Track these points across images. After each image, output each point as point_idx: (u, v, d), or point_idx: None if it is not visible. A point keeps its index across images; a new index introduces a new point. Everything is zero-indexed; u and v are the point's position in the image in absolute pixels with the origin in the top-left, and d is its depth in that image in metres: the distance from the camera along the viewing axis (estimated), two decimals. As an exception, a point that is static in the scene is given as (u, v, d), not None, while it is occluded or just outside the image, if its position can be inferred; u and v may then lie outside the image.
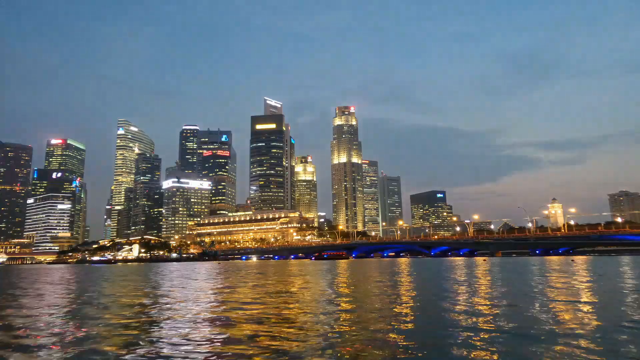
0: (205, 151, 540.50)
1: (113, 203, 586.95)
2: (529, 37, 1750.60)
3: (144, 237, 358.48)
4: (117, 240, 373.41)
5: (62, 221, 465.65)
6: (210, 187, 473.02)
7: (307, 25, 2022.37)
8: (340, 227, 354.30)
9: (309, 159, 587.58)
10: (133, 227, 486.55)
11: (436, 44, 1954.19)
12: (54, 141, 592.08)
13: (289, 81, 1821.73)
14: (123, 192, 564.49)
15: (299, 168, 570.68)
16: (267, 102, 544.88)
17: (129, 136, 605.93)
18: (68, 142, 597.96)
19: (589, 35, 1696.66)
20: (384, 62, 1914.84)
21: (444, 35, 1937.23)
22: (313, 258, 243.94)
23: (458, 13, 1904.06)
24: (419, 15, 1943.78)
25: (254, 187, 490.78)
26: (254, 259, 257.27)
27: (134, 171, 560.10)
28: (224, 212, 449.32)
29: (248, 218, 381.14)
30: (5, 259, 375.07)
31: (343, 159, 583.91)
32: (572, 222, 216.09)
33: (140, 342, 12.83)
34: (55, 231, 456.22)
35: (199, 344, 12.37)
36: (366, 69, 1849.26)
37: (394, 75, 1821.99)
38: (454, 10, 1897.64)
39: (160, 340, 13.13)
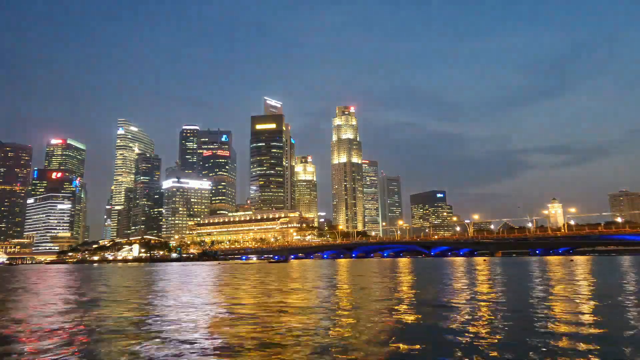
0: (205, 151, 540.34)
1: (113, 203, 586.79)
2: (549, 49, 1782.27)
3: (144, 237, 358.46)
4: (117, 240, 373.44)
5: (62, 221, 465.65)
6: (210, 187, 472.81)
7: (308, 26, 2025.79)
8: (340, 227, 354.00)
9: (309, 159, 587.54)
10: (133, 227, 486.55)
11: (455, 53, 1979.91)
12: (54, 141, 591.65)
13: (289, 81, 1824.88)
14: (123, 192, 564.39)
15: (299, 168, 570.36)
16: (267, 102, 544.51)
17: (129, 136, 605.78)
18: (68, 142, 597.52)
19: (606, 49, 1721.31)
20: (397, 66, 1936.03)
21: (463, 45, 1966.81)
22: (313, 257, 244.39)
23: (477, 24, 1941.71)
24: (435, 25, 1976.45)
25: (254, 187, 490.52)
26: (254, 259, 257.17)
27: (134, 171, 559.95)
28: (224, 212, 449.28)
29: (248, 218, 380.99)
30: (5, 259, 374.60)
31: (343, 158, 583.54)
32: (572, 222, 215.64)
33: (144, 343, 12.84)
34: (55, 231, 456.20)
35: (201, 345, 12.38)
36: (377, 72, 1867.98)
37: (406, 79, 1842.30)
38: (472, 20, 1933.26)
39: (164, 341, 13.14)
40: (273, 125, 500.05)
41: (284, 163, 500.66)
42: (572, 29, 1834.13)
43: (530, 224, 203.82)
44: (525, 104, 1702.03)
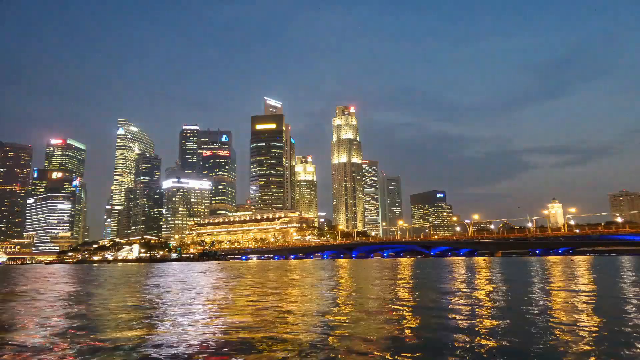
0: (205, 151, 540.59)
1: (113, 203, 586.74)
2: (549, 51, 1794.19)
3: (144, 237, 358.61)
4: (117, 240, 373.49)
5: (62, 221, 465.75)
6: (210, 187, 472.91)
7: (309, 27, 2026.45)
8: (340, 227, 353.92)
9: (309, 159, 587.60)
10: (133, 227, 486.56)
11: (456, 55, 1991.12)
12: (54, 141, 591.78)
13: (289, 81, 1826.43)
14: (123, 192, 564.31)
15: (299, 168, 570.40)
16: (267, 102, 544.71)
17: (129, 136, 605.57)
18: (68, 142, 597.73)
19: (606, 51, 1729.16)
20: (397, 66, 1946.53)
21: (464, 46, 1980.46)
22: (312, 257, 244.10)
23: (478, 25, 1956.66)
24: (437, 26, 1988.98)
25: (254, 187, 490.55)
26: (254, 259, 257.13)
27: (134, 171, 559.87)
28: (224, 212, 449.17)
29: (248, 218, 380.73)
30: (5, 259, 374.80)
31: (343, 158, 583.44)
32: (572, 222, 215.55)
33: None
34: (55, 231, 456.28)
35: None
36: (378, 73, 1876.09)
37: (407, 80, 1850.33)
38: (473, 22, 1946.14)
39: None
40: (273, 125, 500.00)
41: (284, 163, 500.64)
42: (572, 30, 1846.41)
43: (530, 224, 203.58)
44: (526, 105, 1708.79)
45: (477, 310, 18.54)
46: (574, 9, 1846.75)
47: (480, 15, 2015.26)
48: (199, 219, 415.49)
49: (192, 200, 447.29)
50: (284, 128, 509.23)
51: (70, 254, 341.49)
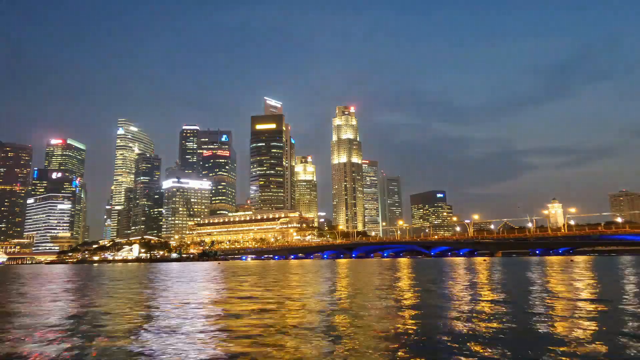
0: (205, 151, 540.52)
1: (113, 203, 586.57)
2: (552, 54, 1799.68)
3: (144, 237, 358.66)
4: (117, 240, 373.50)
5: (62, 221, 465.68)
6: (210, 187, 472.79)
7: (311, 28, 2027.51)
8: (340, 227, 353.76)
9: (309, 159, 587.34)
10: (133, 227, 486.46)
11: (458, 57, 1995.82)
12: (54, 141, 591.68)
13: (290, 82, 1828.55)
14: (123, 192, 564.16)
15: (299, 168, 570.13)
16: (267, 102, 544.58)
17: (129, 136, 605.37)
18: (68, 142, 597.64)
19: (608, 54, 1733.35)
20: (399, 68, 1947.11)
21: (466, 48, 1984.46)
22: (312, 257, 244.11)
23: (480, 28, 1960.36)
24: (439, 29, 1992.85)
25: (254, 187, 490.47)
26: (253, 259, 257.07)
27: (134, 171, 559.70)
28: (224, 212, 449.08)
29: (248, 218, 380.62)
30: (5, 259, 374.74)
31: (343, 158, 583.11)
32: (572, 222, 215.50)
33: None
34: (55, 231, 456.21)
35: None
36: (379, 74, 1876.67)
37: (409, 81, 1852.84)
38: (476, 24, 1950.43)
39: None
40: (273, 125, 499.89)
41: (284, 163, 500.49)
42: (574, 34, 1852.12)
43: (530, 224, 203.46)
44: (527, 107, 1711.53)
45: (478, 312, 18.52)
46: (576, 12, 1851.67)
47: (482, 17, 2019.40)
48: (199, 219, 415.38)
49: (192, 200, 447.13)
50: (284, 128, 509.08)
51: (70, 254, 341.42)
